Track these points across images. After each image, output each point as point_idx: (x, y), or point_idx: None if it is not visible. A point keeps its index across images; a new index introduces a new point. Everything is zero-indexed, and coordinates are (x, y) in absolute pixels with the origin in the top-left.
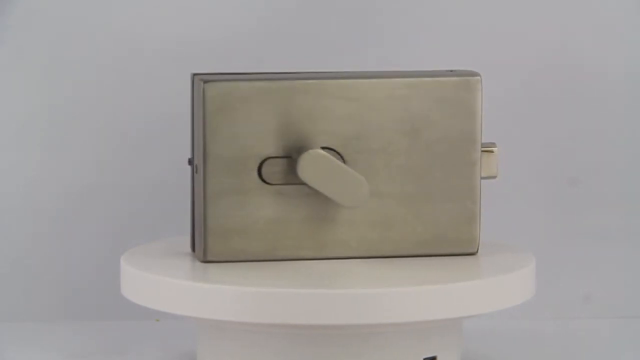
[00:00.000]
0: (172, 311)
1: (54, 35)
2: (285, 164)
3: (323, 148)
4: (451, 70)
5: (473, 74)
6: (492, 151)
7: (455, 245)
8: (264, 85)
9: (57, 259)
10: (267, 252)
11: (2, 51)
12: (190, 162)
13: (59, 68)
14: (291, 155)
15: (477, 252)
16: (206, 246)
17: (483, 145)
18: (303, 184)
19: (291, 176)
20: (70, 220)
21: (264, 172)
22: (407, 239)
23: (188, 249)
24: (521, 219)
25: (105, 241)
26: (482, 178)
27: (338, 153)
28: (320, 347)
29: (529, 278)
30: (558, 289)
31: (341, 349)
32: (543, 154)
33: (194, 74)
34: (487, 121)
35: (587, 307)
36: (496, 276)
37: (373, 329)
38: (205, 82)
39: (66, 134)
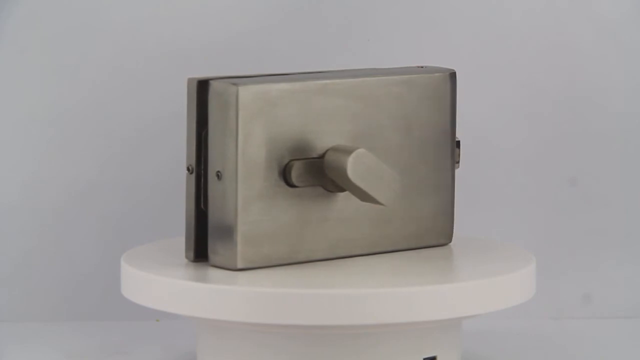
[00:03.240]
0: (172, 311)
1: (54, 35)
2: (305, 166)
3: (330, 149)
4: (421, 67)
5: (448, 69)
6: (456, 143)
7: (434, 237)
8: (290, 87)
9: (57, 258)
10: (290, 256)
11: (2, 51)
12: (192, 169)
13: (59, 68)
14: (321, 156)
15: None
16: (238, 254)
17: None
18: (320, 185)
19: (311, 177)
20: (71, 220)
21: (287, 175)
22: (400, 233)
23: None
24: (521, 219)
25: (106, 241)
26: None
27: None
28: (320, 347)
29: (529, 278)
30: (558, 289)
31: (341, 349)
32: (543, 154)
33: (199, 79)
34: (488, 120)
35: (587, 307)
36: (496, 276)
37: (373, 329)
38: (239, 85)
39: (66, 135)
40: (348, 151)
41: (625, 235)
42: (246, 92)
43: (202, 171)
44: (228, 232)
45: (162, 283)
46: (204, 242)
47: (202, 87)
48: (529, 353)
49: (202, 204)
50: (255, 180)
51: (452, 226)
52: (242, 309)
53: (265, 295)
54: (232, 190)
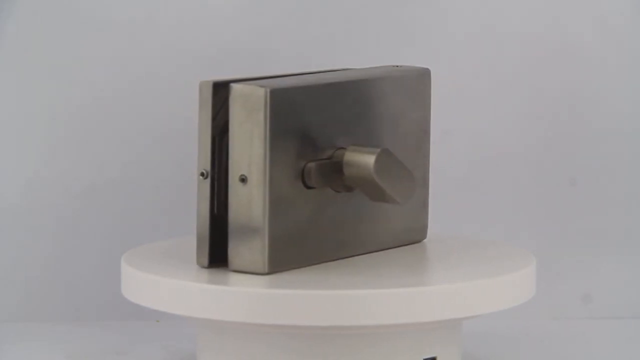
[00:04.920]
0: (173, 311)
1: (55, 34)
2: (322, 167)
3: (339, 148)
4: (397, 66)
5: (422, 68)
6: None
7: (414, 234)
8: (307, 89)
9: (57, 259)
10: (307, 258)
11: (7, 51)
12: (206, 174)
13: (59, 69)
14: (330, 157)
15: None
16: (267, 258)
17: None
18: (330, 185)
19: (325, 178)
20: (71, 220)
21: (305, 176)
22: (391, 231)
23: (188, 248)
24: (521, 218)
25: (106, 241)
26: None
27: None
28: (320, 347)
29: (529, 278)
30: (558, 289)
31: (341, 349)
32: (543, 154)
33: (214, 82)
34: (488, 121)
35: (587, 307)
36: (496, 276)
37: (373, 330)
38: (267, 88)
39: (66, 135)
40: (371, 150)
41: (625, 235)
42: (275, 95)
43: (216, 175)
44: (255, 236)
45: (162, 283)
46: (217, 247)
47: (217, 90)
48: (529, 353)
49: (215, 208)
50: (279, 182)
51: (427, 222)
52: (241, 309)
53: (264, 296)
54: (260, 194)
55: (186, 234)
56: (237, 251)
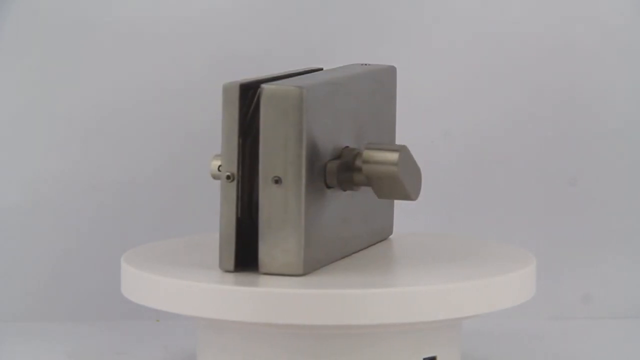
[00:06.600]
0: (173, 311)
1: (56, 34)
2: (340, 166)
3: (346, 147)
4: (365, 64)
5: (389, 65)
6: None
7: (385, 230)
8: (327, 88)
9: (57, 258)
10: (326, 258)
11: (7, 51)
12: (233, 177)
13: (62, 68)
14: (338, 156)
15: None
16: (303, 259)
17: None
18: (343, 183)
19: (339, 177)
20: (71, 220)
21: (327, 176)
22: (375, 228)
23: (188, 248)
24: (521, 218)
25: (106, 241)
26: None
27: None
28: (320, 347)
29: (529, 278)
30: (558, 289)
31: (341, 349)
32: (543, 154)
33: (241, 83)
34: (489, 121)
35: (587, 307)
36: (496, 276)
37: (373, 329)
38: (303, 88)
39: (67, 134)
40: (392, 147)
41: (625, 235)
42: (309, 95)
43: (241, 178)
44: (291, 238)
45: (162, 283)
46: (241, 250)
47: (243, 92)
48: (529, 353)
49: (239, 211)
50: (311, 183)
51: (393, 219)
52: (242, 308)
53: (264, 295)
54: (297, 195)
55: (186, 234)
56: (269, 253)
